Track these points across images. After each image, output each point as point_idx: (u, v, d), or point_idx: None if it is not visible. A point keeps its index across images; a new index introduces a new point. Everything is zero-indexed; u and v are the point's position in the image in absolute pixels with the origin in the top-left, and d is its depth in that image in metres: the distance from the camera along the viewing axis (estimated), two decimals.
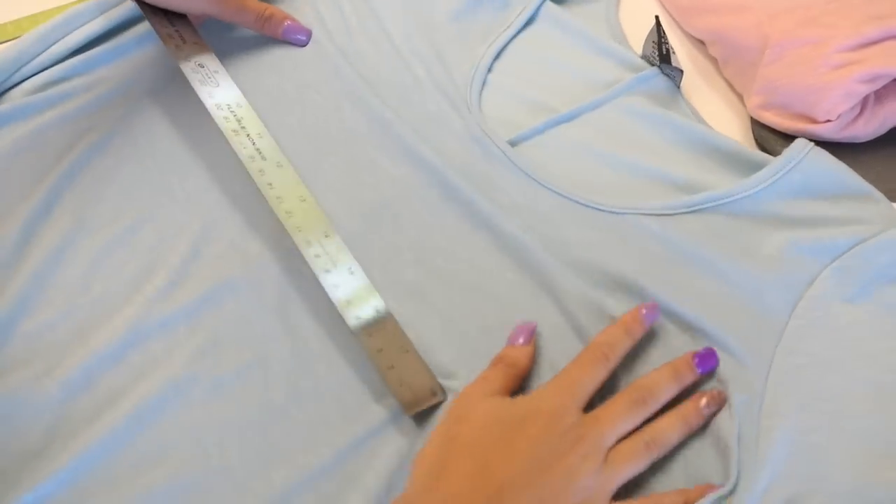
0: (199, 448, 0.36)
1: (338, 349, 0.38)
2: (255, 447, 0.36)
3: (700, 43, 0.51)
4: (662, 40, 0.45)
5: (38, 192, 0.43)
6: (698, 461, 0.34)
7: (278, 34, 0.48)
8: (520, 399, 0.34)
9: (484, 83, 0.47)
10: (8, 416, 0.36)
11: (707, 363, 0.35)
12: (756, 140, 0.46)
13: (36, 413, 0.36)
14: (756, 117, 0.46)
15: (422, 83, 0.46)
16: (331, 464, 0.35)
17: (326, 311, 0.39)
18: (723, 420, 0.34)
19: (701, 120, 0.46)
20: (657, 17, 0.46)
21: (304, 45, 0.48)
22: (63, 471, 0.35)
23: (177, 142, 0.45)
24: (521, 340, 0.37)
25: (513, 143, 0.44)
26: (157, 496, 0.35)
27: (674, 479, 0.34)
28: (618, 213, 0.41)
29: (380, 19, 0.49)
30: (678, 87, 0.46)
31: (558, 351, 0.37)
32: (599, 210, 0.41)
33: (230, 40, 0.49)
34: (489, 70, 0.47)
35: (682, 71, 0.46)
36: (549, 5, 0.50)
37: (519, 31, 0.49)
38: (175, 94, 0.47)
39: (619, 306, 0.38)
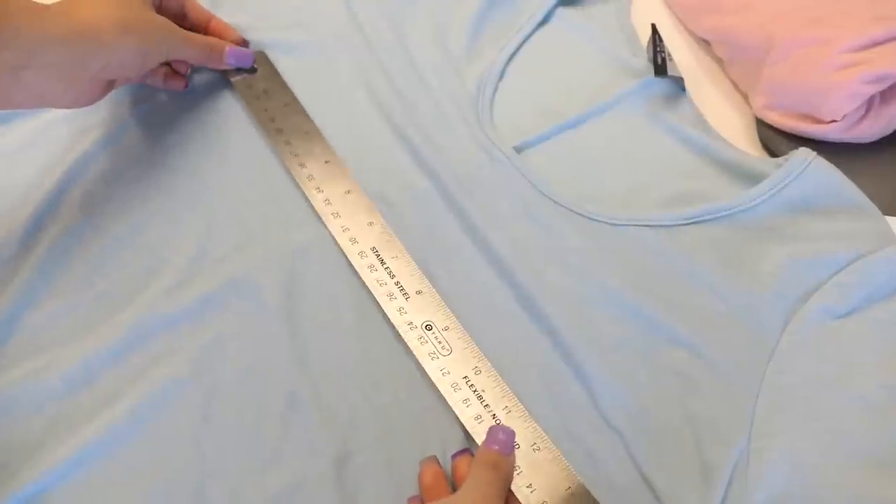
0: (195, 448, 0.36)
1: (338, 358, 0.38)
2: (251, 451, 0.36)
3: (705, 43, 0.50)
4: (658, 49, 0.45)
5: (46, 187, 0.43)
6: (678, 486, 0.34)
7: (223, 62, 0.46)
8: None
9: (495, 89, 0.47)
10: (9, 408, 0.37)
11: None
12: (761, 140, 0.46)
13: (37, 405, 0.37)
14: (761, 117, 0.46)
15: (433, 91, 0.46)
16: (324, 474, 0.35)
17: (328, 317, 0.39)
18: (711, 445, 0.34)
19: (705, 122, 0.45)
20: (653, 25, 0.46)
21: (253, 71, 0.47)
22: (62, 465, 0.35)
23: (186, 141, 0.46)
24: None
25: (519, 150, 0.44)
26: (151, 494, 0.35)
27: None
28: (617, 225, 0.41)
29: (396, 27, 0.49)
30: (683, 90, 0.46)
31: (534, 367, 0.37)
32: (598, 221, 0.41)
33: None
34: (501, 75, 0.48)
35: (681, 78, 0.46)
36: (562, 7, 0.50)
37: (530, 34, 0.49)
38: (186, 93, 0.47)
39: (611, 321, 0.38)
